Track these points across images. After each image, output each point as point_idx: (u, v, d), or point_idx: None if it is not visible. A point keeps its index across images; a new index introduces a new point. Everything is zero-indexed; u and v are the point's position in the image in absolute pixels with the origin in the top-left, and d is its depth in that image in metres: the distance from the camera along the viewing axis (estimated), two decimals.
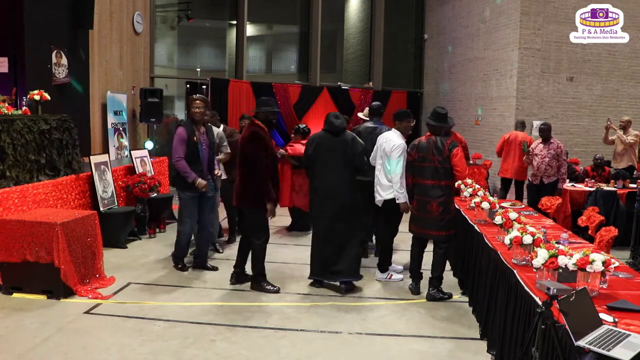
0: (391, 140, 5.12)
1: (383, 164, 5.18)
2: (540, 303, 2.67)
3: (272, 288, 4.96)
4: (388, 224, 5.34)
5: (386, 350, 3.83)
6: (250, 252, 5.07)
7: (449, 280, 5.27)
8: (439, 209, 4.69)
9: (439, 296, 4.79)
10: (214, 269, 5.53)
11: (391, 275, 5.36)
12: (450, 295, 4.84)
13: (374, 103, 6.16)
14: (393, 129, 5.27)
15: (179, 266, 5.51)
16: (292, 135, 7.71)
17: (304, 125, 7.72)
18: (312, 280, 5.18)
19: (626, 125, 8.25)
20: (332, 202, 4.95)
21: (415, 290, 4.95)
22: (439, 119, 4.78)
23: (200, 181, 5.17)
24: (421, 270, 5.01)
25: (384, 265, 5.37)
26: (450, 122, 4.87)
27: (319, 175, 5.00)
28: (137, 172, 7.33)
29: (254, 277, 5.04)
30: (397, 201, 5.02)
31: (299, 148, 7.18)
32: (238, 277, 5.14)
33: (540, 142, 7.14)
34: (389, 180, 5.11)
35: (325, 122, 5.12)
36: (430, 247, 5.00)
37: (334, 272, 5.02)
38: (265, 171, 4.83)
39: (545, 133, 7.08)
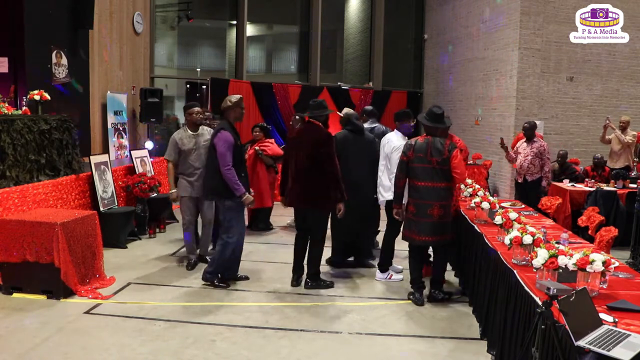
0: (392, 142, 5.16)
1: (386, 165, 5.21)
2: (540, 303, 2.67)
3: (329, 282, 5.13)
4: (390, 224, 5.34)
5: (386, 350, 3.83)
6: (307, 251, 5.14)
7: (449, 280, 5.26)
8: (440, 212, 4.48)
9: (441, 296, 4.74)
10: (246, 278, 5.26)
11: (391, 275, 5.36)
12: (450, 295, 4.84)
13: (367, 107, 6.62)
14: (395, 130, 5.29)
15: (217, 283, 5.01)
16: (257, 133, 7.29)
17: (266, 124, 7.80)
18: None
19: (625, 126, 8.30)
20: (357, 193, 5.32)
21: (420, 301, 4.68)
22: (434, 119, 4.57)
23: (248, 196, 4.86)
24: (423, 279, 4.81)
25: (385, 265, 5.37)
26: (447, 123, 4.66)
27: (346, 169, 5.28)
28: (137, 172, 7.34)
29: (312, 274, 5.07)
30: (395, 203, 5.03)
31: (275, 148, 7.20)
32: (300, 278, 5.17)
33: (525, 141, 7.20)
34: (391, 181, 5.13)
35: (348, 122, 5.59)
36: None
37: (355, 249, 5.71)
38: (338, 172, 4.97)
39: (529, 132, 7.13)
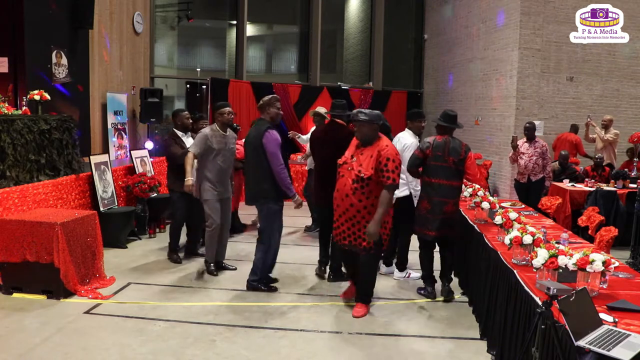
0: (403, 140, 5.24)
1: None
2: (540, 303, 2.68)
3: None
4: (405, 222, 5.32)
5: (386, 350, 3.83)
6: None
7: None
8: (453, 208, 4.70)
9: (452, 292, 4.86)
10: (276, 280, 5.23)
11: (410, 274, 5.41)
12: (453, 294, 4.90)
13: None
14: (406, 128, 5.38)
15: (264, 288, 4.95)
16: None
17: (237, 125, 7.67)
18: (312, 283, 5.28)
19: (608, 124, 8.46)
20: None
21: (433, 294, 4.86)
22: (450, 121, 4.78)
23: (298, 197, 4.86)
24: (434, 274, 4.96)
25: (403, 264, 5.41)
26: (460, 125, 4.89)
27: None
28: (137, 172, 7.34)
29: (335, 268, 5.24)
30: (415, 198, 5.11)
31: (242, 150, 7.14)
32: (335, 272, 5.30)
33: (526, 142, 7.28)
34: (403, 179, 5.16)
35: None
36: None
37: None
38: None
39: (531, 132, 7.24)
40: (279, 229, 4.96)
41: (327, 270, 5.36)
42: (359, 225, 4.24)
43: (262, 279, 4.97)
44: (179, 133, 5.82)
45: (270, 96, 4.99)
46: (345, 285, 5.05)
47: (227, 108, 5.36)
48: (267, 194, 4.74)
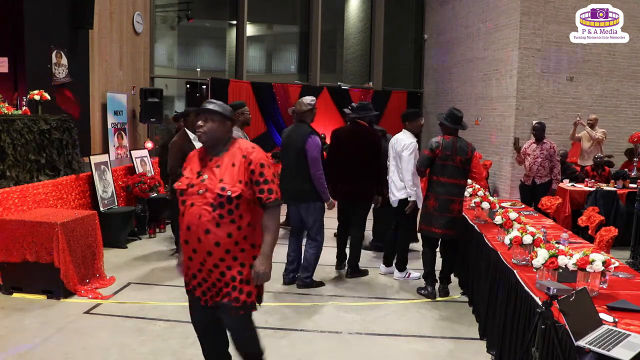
0: (402, 140, 5.21)
1: (396, 165, 5.25)
2: (540, 303, 2.68)
3: (365, 270, 5.54)
4: (405, 222, 5.35)
5: (386, 350, 3.83)
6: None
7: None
8: (459, 207, 4.76)
9: (449, 293, 4.91)
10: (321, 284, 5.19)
11: (409, 274, 5.42)
12: (448, 292, 4.98)
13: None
14: (403, 129, 5.34)
15: (316, 285, 5.10)
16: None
17: None
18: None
19: (594, 123, 8.36)
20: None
21: (433, 294, 4.88)
22: (456, 122, 4.83)
23: (332, 201, 5.07)
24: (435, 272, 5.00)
25: (403, 264, 5.42)
26: (465, 126, 4.94)
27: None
28: (137, 172, 7.34)
29: (353, 265, 5.45)
30: (409, 199, 5.11)
31: None
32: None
33: (533, 142, 7.00)
34: (402, 180, 5.15)
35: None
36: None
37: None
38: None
39: (539, 133, 6.92)
40: (323, 225, 5.14)
41: (346, 265, 5.57)
42: (231, 272, 2.69)
43: (312, 275, 5.11)
44: (191, 135, 5.67)
45: (310, 101, 5.03)
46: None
47: (246, 107, 5.38)
48: (310, 194, 4.94)
